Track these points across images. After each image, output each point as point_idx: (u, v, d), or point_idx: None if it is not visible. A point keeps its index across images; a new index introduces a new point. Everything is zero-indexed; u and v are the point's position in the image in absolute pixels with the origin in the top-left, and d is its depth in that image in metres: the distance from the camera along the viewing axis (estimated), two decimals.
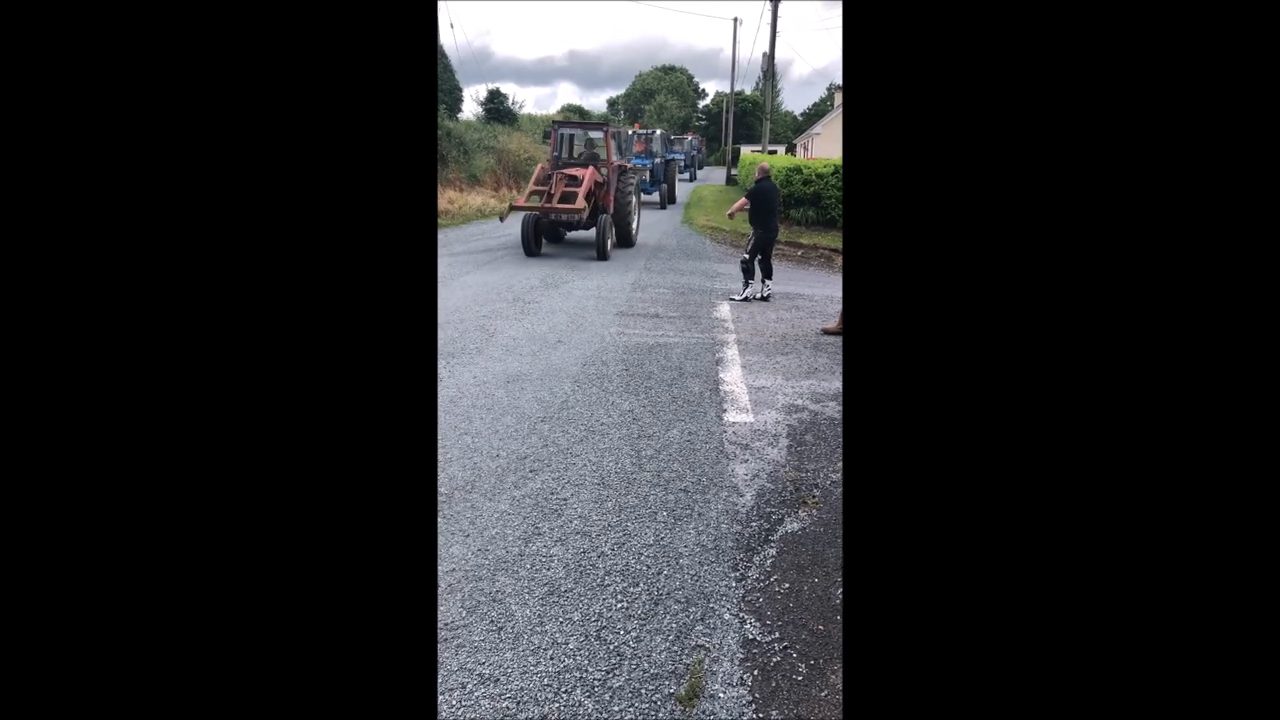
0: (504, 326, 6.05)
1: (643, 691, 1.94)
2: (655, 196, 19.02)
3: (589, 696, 1.91)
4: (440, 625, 2.19)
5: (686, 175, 30.11)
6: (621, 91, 64.46)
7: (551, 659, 2.05)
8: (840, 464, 3.52)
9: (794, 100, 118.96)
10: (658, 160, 19.34)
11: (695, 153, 36.44)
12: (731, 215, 8.30)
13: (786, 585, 2.49)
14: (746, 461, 3.51)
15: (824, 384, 4.79)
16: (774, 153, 24.73)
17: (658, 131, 21.28)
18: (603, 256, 10.04)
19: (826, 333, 6.25)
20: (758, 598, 2.41)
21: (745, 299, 7.56)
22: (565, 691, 1.93)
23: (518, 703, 1.88)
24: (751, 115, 47.14)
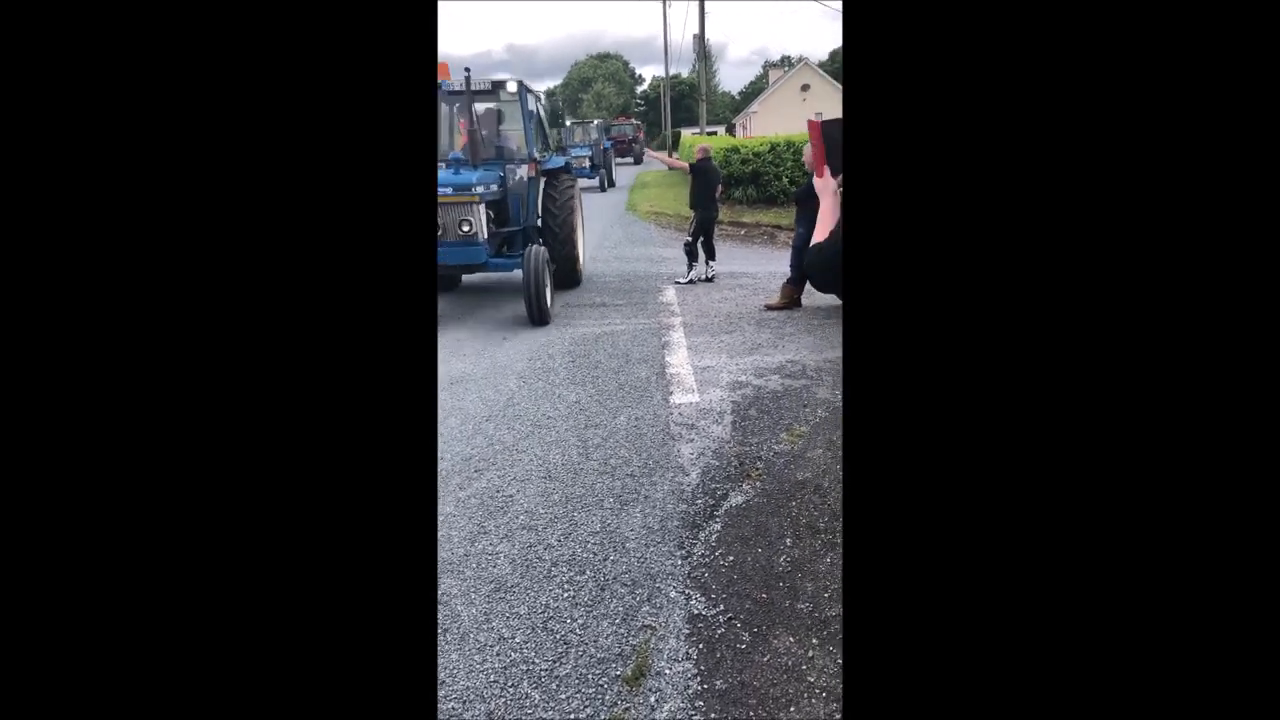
0: (446, 326, 5.96)
1: (589, 676, 1.96)
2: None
3: (536, 688, 1.92)
4: None
5: (596, 181, 18.77)
6: (559, 82, 63.77)
7: (498, 655, 2.05)
8: (781, 435, 3.59)
9: (732, 80, 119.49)
10: (516, 175, 6.58)
11: (613, 144, 24.35)
12: (668, 166, 7.98)
13: (730, 558, 2.53)
14: (692, 441, 3.55)
15: (766, 359, 4.86)
16: (713, 134, 24.56)
17: (509, 82, 6.41)
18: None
19: (770, 308, 6.33)
20: (703, 573, 2.45)
21: (690, 281, 7.60)
22: (512, 685, 1.93)
23: (463, 702, 1.88)
24: (689, 98, 47.24)
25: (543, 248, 5.94)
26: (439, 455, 3.45)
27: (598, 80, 57.72)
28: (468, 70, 6.14)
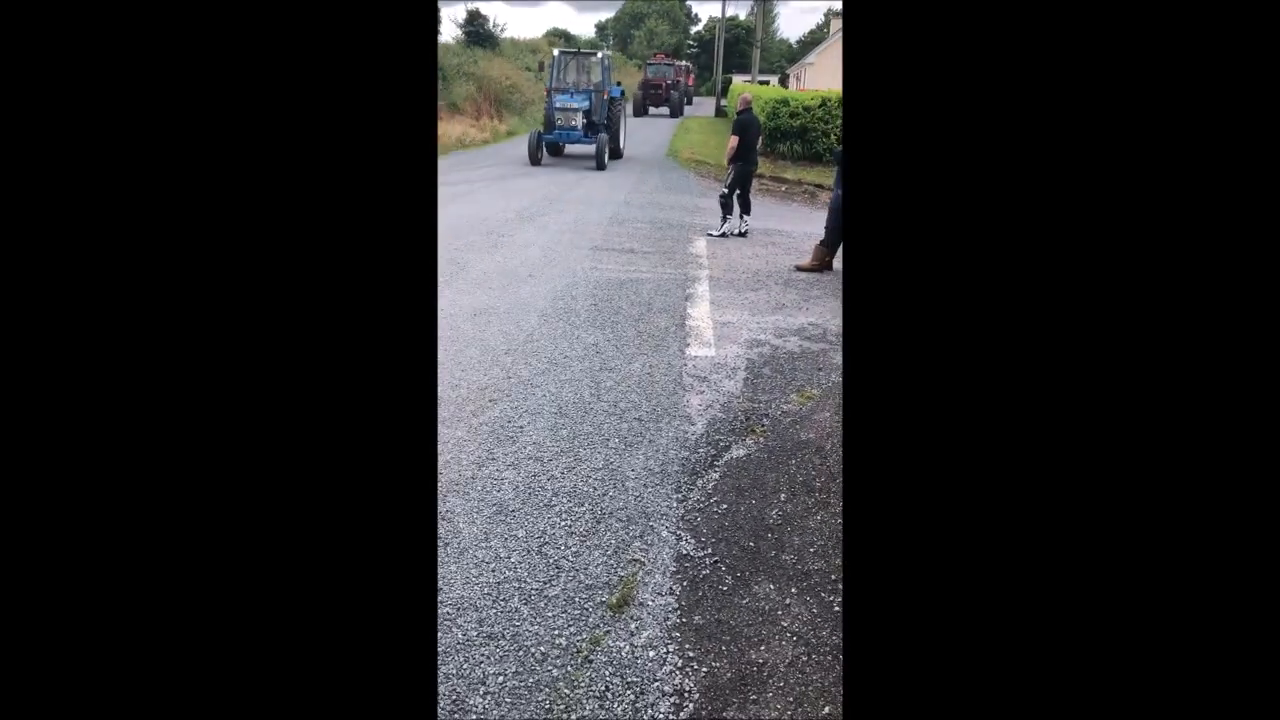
0: (476, 260, 6.03)
1: (576, 599, 2.08)
2: None
3: (525, 604, 2.05)
4: None
5: (593, 148, 12.19)
6: (611, 15, 61.63)
7: (493, 571, 2.19)
8: (792, 396, 3.63)
9: (792, 28, 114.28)
10: None
11: (645, 89, 21.34)
12: (730, 160, 7.57)
13: (725, 506, 2.62)
14: (702, 393, 3.61)
15: (789, 319, 4.86)
16: (765, 83, 23.73)
17: None
18: None
19: (800, 269, 6.28)
20: (696, 517, 2.54)
21: (722, 235, 7.53)
22: (503, 600, 2.07)
23: (457, 609, 2.02)
24: (744, 43, 45.47)
25: None
26: (457, 383, 3.57)
27: (650, 17, 55.66)
28: None
